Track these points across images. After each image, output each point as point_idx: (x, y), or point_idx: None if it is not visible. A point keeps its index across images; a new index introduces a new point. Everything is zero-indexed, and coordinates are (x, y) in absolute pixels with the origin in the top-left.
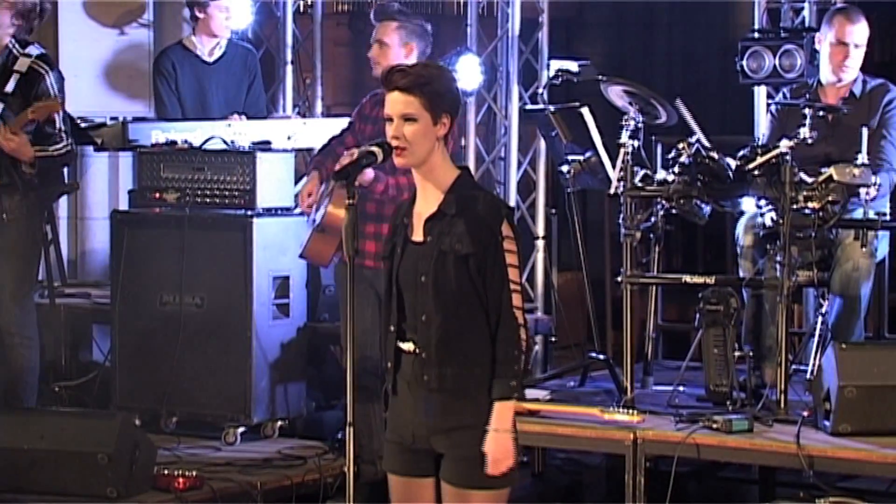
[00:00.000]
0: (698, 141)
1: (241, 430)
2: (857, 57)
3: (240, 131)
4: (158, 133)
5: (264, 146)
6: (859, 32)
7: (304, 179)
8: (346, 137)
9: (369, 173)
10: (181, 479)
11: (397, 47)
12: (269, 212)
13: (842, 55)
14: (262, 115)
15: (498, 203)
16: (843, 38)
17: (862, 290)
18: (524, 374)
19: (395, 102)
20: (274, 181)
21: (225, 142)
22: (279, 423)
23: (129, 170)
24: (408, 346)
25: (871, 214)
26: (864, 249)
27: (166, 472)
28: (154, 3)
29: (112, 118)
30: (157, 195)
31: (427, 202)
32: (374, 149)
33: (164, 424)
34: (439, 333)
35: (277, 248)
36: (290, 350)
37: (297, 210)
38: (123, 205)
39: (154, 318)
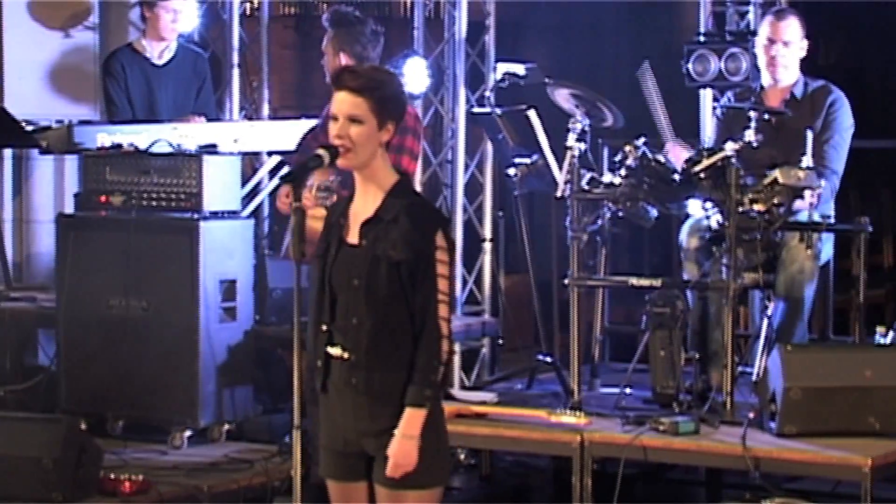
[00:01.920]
0: (645, 144)
1: (188, 433)
2: (788, 55)
3: (186, 134)
4: (104, 136)
5: (211, 149)
6: (787, 30)
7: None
8: (320, 135)
9: (331, 174)
10: (127, 484)
11: (331, 57)
12: (216, 215)
13: (771, 53)
14: (210, 119)
15: (434, 212)
16: (771, 35)
17: (807, 292)
18: (441, 386)
19: (343, 102)
20: (220, 184)
21: (171, 145)
22: (226, 426)
23: (74, 173)
24: (336, 350)
25: (816, 217)
26: (808, 252)
27: (113, 476)
28: (100, 5)
29: (57, 121)
30: (103, 198)
31: (365, 205)
32: (321, 152)
33: (111, 428)
34: (369, 337)
35: (224, 251)
36: (238, 353)
37: (245, 213)
38: (69, 208)
39: (100, 321)
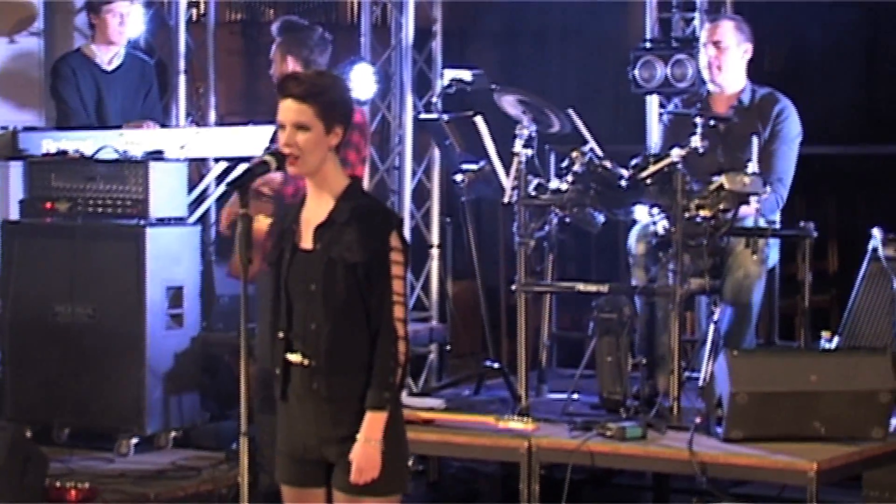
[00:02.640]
0: (591, 150)
1: (134, 441)
2: (726, 59)
3: (132, 141)
4: (49, 142)
5: (157, 156)
6: (723, 32)
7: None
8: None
9: (277, 176)
10: (74, 492)
11: (279, 64)
12: (162, 222)
13: (708, 55)
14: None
15: (388, 213)
16: (708, 38)
17: (753, 298)
18: (399, 387)
19: (289, 110)
20: (167, 191)
21: (117, 151)
22: (173, 433)
23: (19, 179)
24: (295, 357)
25: (762, 223)
26: (754, 257)
27: (59, 484)
28: (45, 11)
29: (2, 127)
30: (49, 205)
31: (317, 209)
32: (268, 158)
33: (57, 436)
34: (329, 342)
35: (171, 258)
36: (184, 360)
37: (192, 219)
38: (14, 215)
39: (46, 328)
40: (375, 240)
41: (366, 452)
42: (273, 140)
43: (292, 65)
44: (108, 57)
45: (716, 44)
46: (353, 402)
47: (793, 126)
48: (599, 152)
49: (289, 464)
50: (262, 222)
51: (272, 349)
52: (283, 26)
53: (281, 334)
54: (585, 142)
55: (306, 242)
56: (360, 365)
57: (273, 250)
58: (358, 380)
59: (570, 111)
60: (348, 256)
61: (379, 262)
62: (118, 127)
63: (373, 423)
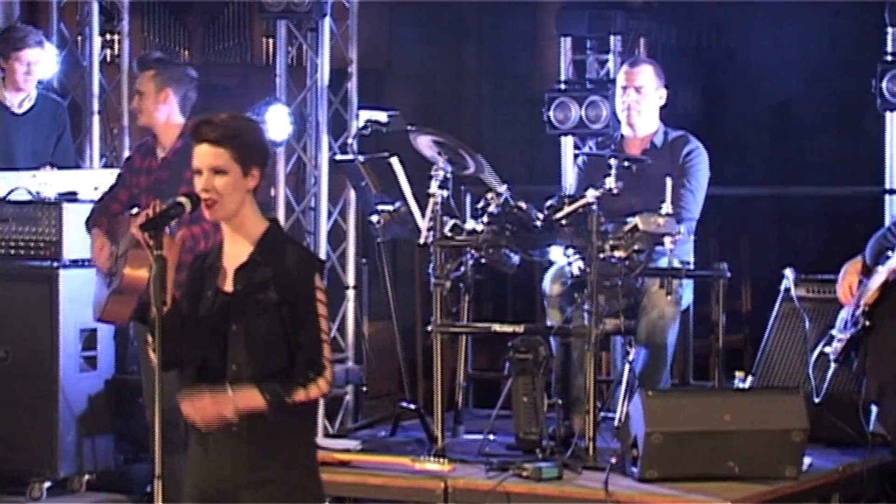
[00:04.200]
0: (507, 190)
1: (47, 484)
2: (642, 102)
3: (45, 182)
4: None
5: (71, 197)
6: (640, 76)
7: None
8: (119, 193)
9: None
10: None
11: (153, 95)
12: (76, 263)
13: (625, 99)
14: (70, 167)
15: (311, 255)
16: (625, 82)
17: (668, 338)
18: (298, 414)
19: (205, 155)
20: (81, 232)
21: (30, 192)
22: (86, 476)
23: None
24: None
25: (676, 263)
26: (669, 298)
27: None
28: None
29: None
30: None
31: (236, 253)
32: (183, 200)
33: None
34: (249, 383)
35: (84, 300)
36: (98, 403)
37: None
38: None
39: None
40: (299, 281)
41: (214, 402)
42: (112, 189)
43: (171, 99)
44: (18, 100)
45: (637, 88)
46: (273, 443)
47: (702, 165)
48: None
49: None
50: (138, 274)
51: (160, 380)
52: (156, 59)
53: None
54: (503, 182)
55: (227, 285)
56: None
57: (182, 298)
58: (279, 420)
59: (479, 158)
60: (272, 296)
61: (306, 302)
62: (30, 169)
63: (246, 398)
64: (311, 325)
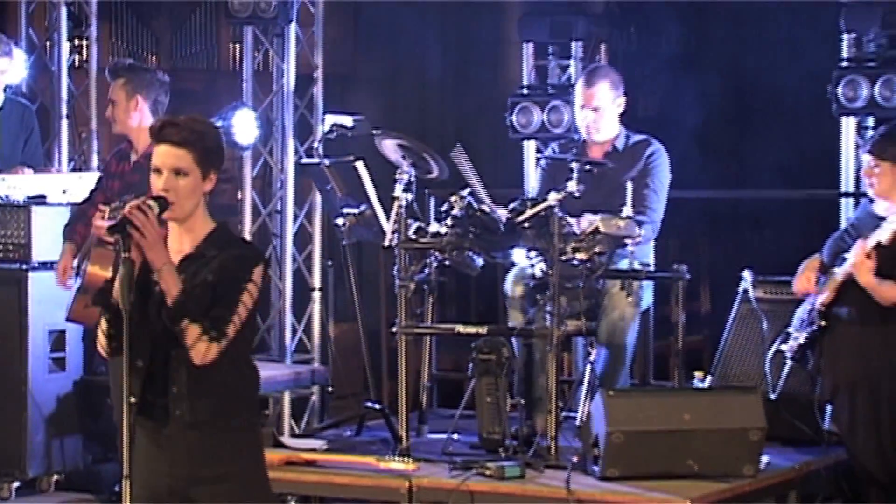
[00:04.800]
0: (470, 194)
1: (16, 485)
2: (600, 120)
3: (14, 185)
4: None
5: (39, 200)
6: (597, 96)
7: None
8: (96, 197)
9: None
10: None
11: (124, 102)
12: (45, 266)
13: (583, 117)
14: (38, 170)
15: (255, 251)
16: (585, 102)
17: (628, 339)
18: (178, 333)
19: (167, 155)
20: (49, 235)
21: None
22: (55, 477)
23: None
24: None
25: (636, 265)
26: (629, 299)
27: None
28: None
29: None
30: None
31: (181, 248)
32: (151, 202)
33: None
34: (190, 366)
35: (53, 302)
36: (67, 403)
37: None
38: None
39: None
40: (237, 267)
41: (157, 234)
42: (91, 195)
43: (142, 105)
44: None
45: (594, 109)
46: (219, 429)
47: (663, 167)
48: (483, 192)
49: None
50: (100, 272)
51: (129, 380)
52: (126, 67)
53: (140, 362)
54: (465, 185)
55: None
56: (224, 387)
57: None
58: (222, 403)
59: (457, 149)
60: (210, 278)
61: (235, 284)
62: (0, 172)
63: (168, 277)
64: (230, 302)
